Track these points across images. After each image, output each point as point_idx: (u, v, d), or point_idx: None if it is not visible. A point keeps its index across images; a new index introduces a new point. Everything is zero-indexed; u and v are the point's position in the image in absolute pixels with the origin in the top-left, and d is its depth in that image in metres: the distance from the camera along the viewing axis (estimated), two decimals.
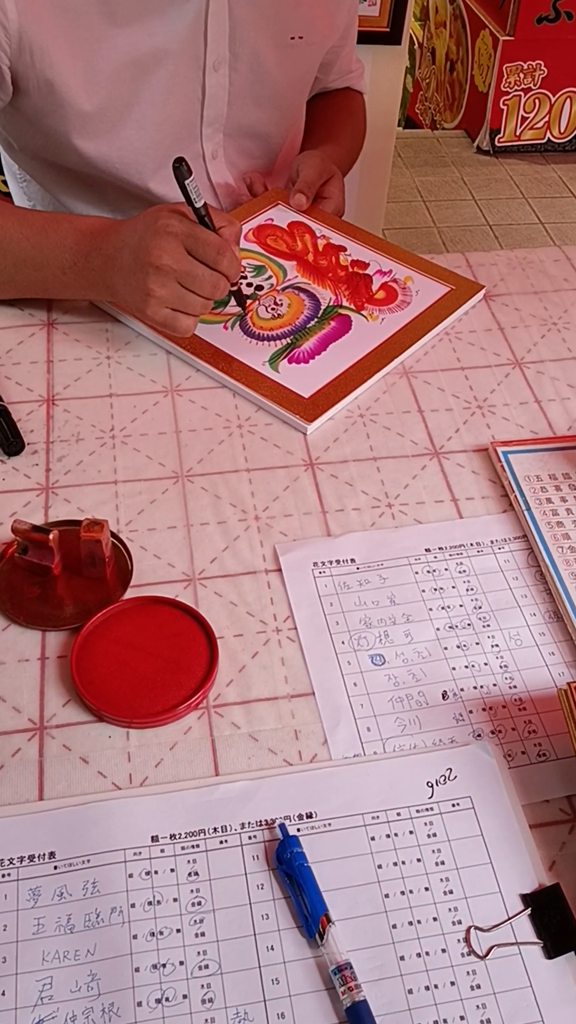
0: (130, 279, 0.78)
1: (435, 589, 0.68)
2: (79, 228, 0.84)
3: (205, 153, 1.02)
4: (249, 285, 0.92)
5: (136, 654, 0.63)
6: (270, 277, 0.93)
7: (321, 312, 0.89)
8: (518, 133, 3.17)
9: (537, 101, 3.09)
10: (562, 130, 3.19)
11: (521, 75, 3.02)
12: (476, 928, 0.51)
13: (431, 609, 0.67)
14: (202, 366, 0.83)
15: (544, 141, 3.21)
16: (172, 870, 0.53)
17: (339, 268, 0.95)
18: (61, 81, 0.86)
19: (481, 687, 0.62)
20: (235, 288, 0.84)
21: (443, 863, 0.54)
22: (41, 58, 0.84)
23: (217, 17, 0.91)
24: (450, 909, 0.52)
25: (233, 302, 0.89)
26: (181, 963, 0.50)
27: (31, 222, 0.84)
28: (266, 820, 0.55)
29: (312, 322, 0.88)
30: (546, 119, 3.15)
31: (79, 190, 1.01)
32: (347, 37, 1.12)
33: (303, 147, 1.15)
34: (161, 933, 0.50)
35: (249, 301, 0.89)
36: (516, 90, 3.05)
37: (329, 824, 0.55)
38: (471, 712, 0.61)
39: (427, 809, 0.56)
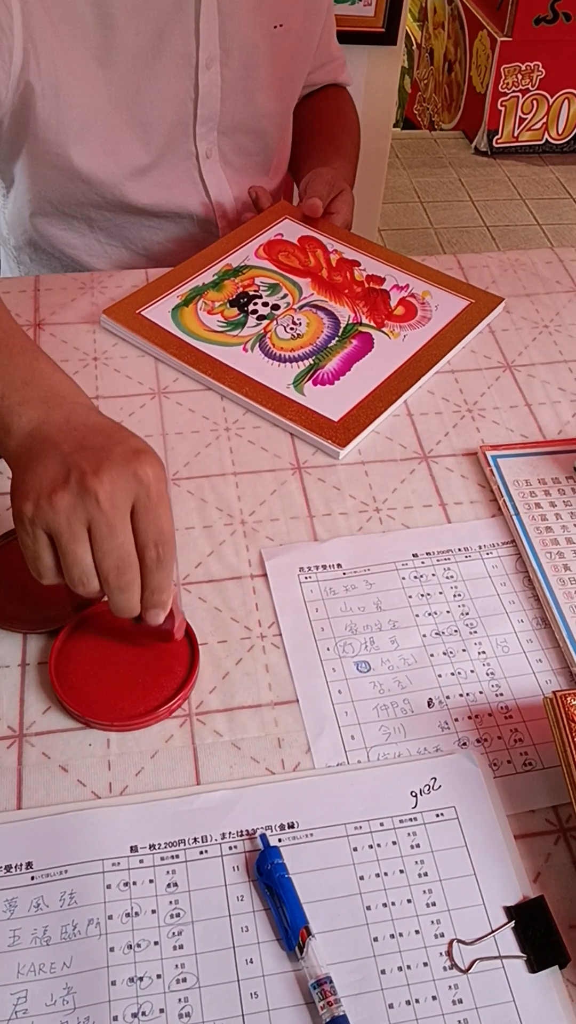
0: (47, 464, 0.53)
1: (422, 595, 0.67)
2: (36, 365, 0.60)
3: (199, 152, 1.01)
4: (265, 305, 0.90)
5: (117, 656, 0.62)
6: (285, 296, 0.91)
7: (341, 330, 0.88)
8: (516, 134, 3.16)
9: (535, 102, 3.09)
10: (560, 131, 3.19)
11: (519, 76, 3.02)
12: (459, 941, 0.51)
13: (418, 615, 0.66)
14: (226, 391, 0.81)
15: (542, 142, 3.20)
16: (151, 881, 0.52)
17: (355, 284, 0.93)
18: (65, 82, 0.86)
19: (467, 695, 0.62)
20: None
21: (426, 874, 0.53)
22: (46, 58, 0.84)
23: (208, 14, 0.91)
24: (433, 922, 0.51)
25: (252, 323, 0.87)
26: (158, 976, 0.49)
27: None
28: (247, 830, 0.54)
29: (333, 341, 0.86)
30: (544, 120, 3.14)
31: (51, 201, 1.00)
32: (327, 26, 1.11)
33: (304, 158, 1.14)
34: (139, 945, 0.50)
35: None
36: (514, 91, 3.05)
37: (311, 834, 0.54)
38: (457, 720, 0.60)
39: (411, 819, 0.55)
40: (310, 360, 0.84)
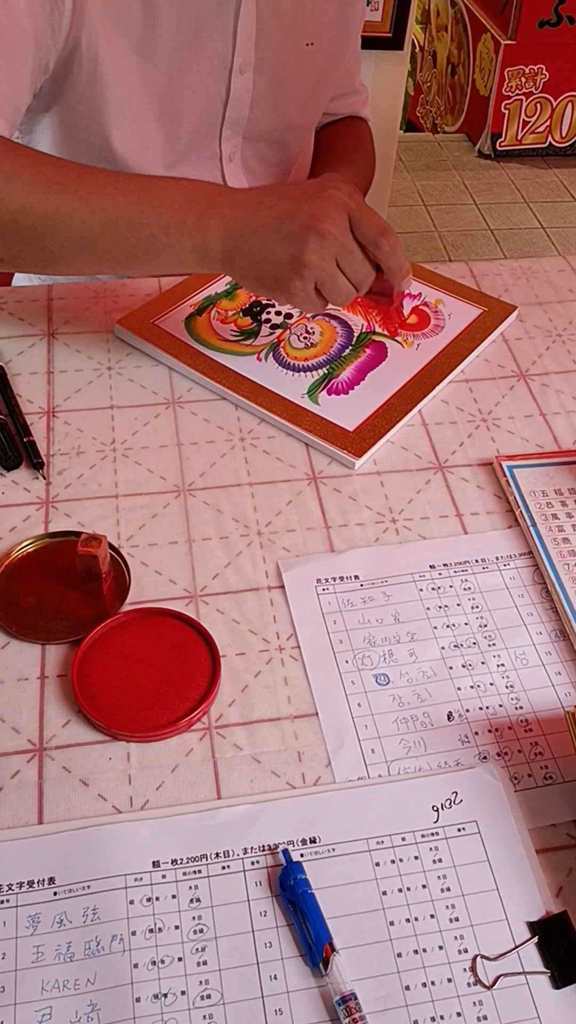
0: (274, 246, 0.70)
1: (440, 607, 0.67)
2: (187, 187, 0.74)
3: (223, 154, 1.02)
4: (279, 314, 0.90)
5: (138, 667, 0.62)
6: None
7: (355, 340, 0.88)
8: (519, 137, 3.16)
9: (539, 105, 3.09)
10: (564, 134, 3.19)
11: (523, 79, 3.02)
12: (482, 957, 0.51)
13: (436, 627, 0.66)
14: (241, 401, 0.81)
15: (546, 145, 3.20)
16: (173, 896, 0.52)
17: None
18: (104, 61, 0.86)
19: (487, 708, 0.62)
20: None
21: (448, 889, 0.53)
22: (90, 32, 0.84)
23: (247, 19, 0.92)
24: (456, 937, 0.51)
25: (265, 332, 0.87)
26: (183, 993, 0.49)
27: (124, 178, 0.74)
28: (269, 845, 0.54)
29: (347, 350, 0.86)
30: (547, 123, 3.15)
31: None
32: (352, 55, 1.12)
33: (315, 174, 1.14)
34: (162, 962, 0.50)
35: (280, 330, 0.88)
36: (518, 94, 3.05)
37: (333, 849, 0.54)
38: (477, 734, 0.60)
39: (432, 834, 0.55)
40: (324, 369, 0.84)
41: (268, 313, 0.90)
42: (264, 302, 0.91)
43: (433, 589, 0.68)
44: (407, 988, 0.49)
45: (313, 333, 0.88)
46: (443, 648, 0.65)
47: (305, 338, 0.88)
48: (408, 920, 0.52)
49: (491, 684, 0.63)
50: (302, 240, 0.69)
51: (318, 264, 0.70)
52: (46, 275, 0.80)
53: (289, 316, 0.90)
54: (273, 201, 0.72)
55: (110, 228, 0.72)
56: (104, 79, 0.88)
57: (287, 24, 0.96)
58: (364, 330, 0.89)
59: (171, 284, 0.93)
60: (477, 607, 0.67)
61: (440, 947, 0.51)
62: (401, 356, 0.86)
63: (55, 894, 0.51)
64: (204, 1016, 0.48)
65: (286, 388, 0.82)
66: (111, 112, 0.90)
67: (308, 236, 0.69)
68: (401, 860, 0.54)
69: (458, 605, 0.67)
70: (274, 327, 0.88)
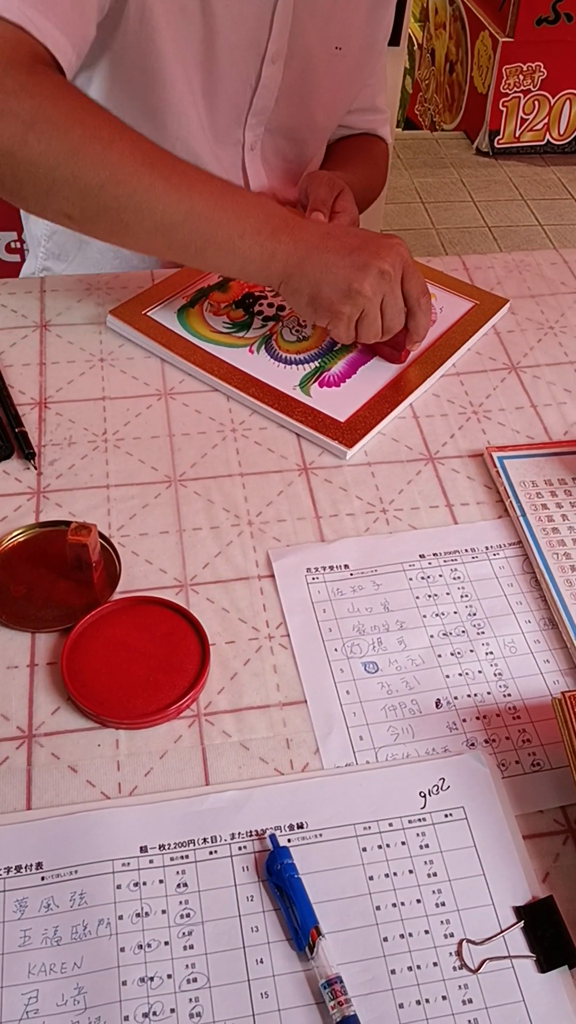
0: (337, 270, 0.75)
1: (429, 596, 0.67)
2: (267, 203, 0.79)
3: (245, 142, 1.02)
4: (271, 306, 0.90)
5: (128, 654, 0.62)
6: None
7: None
8: (517, 135, 3.16)
9: (536, 103, 3.09)
10: (561, 132, 3.19)
11: (520, 77, 3.02)
12: (468, 941, 0.51)
13: (425, 616, 0.66)
14: (232, 392, 0.81)
15: (543, 143, 3.20)
16: (161, 881, 0.52)
17: None
18: (153, 11, 0.85)
19: (475, 695, 0.62)
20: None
21: (435, 875, 0.53)
22: None
23: (283, 10, 0.92)
24: (442, 922, 0.51)
25: (257, 324, 0.87)
26: (169, 976, 0.49)
27: (212, 178, 0.78)
28: (256, 830, 0.54)
29: (338, 345, 0.86)
30: (545, 121, 3.15)
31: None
32: (376, 72, 1.13)
33: None
34: (149, 946, 0.50)
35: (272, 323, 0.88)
36: (515, 92, 3.05)
37: (320, 835, 0.54)
38: (465, 721, 0.60)
39: (419, 820, 0.55)
40: (316, 363, 0.84)
41: (260, 305, 0.90)
42: (257, 294, 0.91)
43: (423, 578, 0.68)
44: (393, 972, 0.49)
45: (305, 327, 0.88)
46: (432, 636, 0.65)
47: (297, 331, 0.88)
48: (394, 905, 0.52)
49: (479, 672, 0.63)
50: (364, 271, 0.75)
51: (370, 296, 0.75)
52: (107, 242, 0.81)
53: (281, 308, 0.90)
54: (340, 234, 0.78)
55: (192, 219, 0.75)
56: (151, 32, 0.86)
57: (320, 23, 0.97)
58: None
59: (164, 276, 0.93)
60: (466, 596, 0.67)
61: (426, 931, 0.51)
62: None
63: (43, 879, 0.52)
64: (190, 999, 0.48)
65: (278, 380, 0.82)
66: (156, 69, 0.89)
67: (370, 269, 0.75)
68: (388, 845, 0.54)
69: (447, 594, 0.67)
70: (266, 319, 0.89)
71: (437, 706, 0.61)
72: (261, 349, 0.85)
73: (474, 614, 0.66)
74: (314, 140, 1.09)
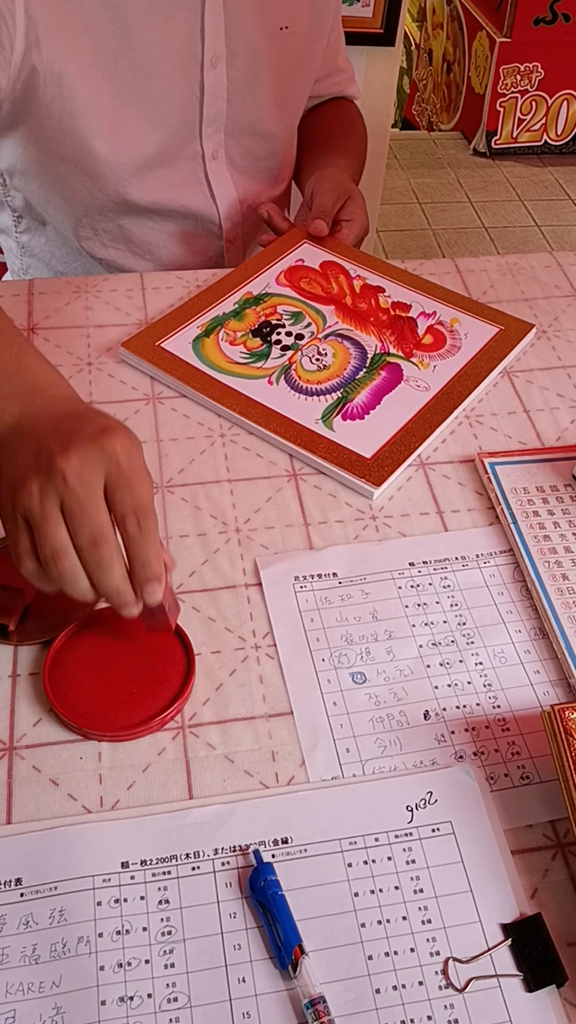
0: (22, 455, 0.55)
1: (418, 604, 0.66)
2: (30, 369, 0.61)
3: (204, 153, 1.00)
4: (289, 334, 0.87)
5: (111, 665, 0.61)
6: (309, 324, 0.88)
7: (369, 361, 0.85)
8: (515, 135, 3.15)
9: (534, 103, 3.08)
10: (559, 132, 3.18)
11: (518, 77, 3.01)
12: (455, 960, 0.50)
13: (414, 625, 0.65)
14: (254, 428, 0.78)
15: (541, 143, 3.19)
16: (142, 898, 0.51)
17: (380, 311, 0.90)
18: (69, 73, 0.85)
19: (464, 707, 0.61)
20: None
21: (422, 891, 0.52)
22: (49, 48, 0.83)
23: (213, 12, 0.91)
24: (428, 939, 0.50)
25: (276, 354, 0.84)
26: (149, 996, 0.48)
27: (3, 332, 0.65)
28: (240, 846, 0.53)
29: (361, 372, 0.83)
30: (543, 121, 3.14)
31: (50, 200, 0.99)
32: (332, 32, 1.10)
33: (307, 161, 1.13)
34: (129, 964, 0.49)
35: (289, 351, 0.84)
36: (513, 92, 3.04)
37: (305, 850, 0.53)
38: (453, 733, 0.59)
39: (406, 834, 0.54)
40: (338, 393, 0.81)
41: (278, 334, 0.87)
42: (274, 322, 0.88)
43: (412, 587, 0.67)
44: (377, 991, 0.49)
45: (326, 355, 0.85)
46: (421, 646, 0.64)
47: (317, 360, 0.85)
48: (380, 922, 0.51)
49: (469, 683, 0.62)
50: (36, 465, 0.53)
51: (35, 496, 0.53)
52: None
53: (300, 337, 0.87)
54: (64, 423, 0.56)
55: None
56: (72, 92, 0.87)
57: (257, 11, 0.95)
58: (378, 351, 0.86)
59: (153, 279, 0.92)
60: (456, 605, 0.66)
61: (412, 949, 0.50)
62: (417, 378, 0.83)
63: (22, 895, 0.51)
64: (171, 1019, 0.47)
65: (299, 413, 0.79)
66: (86, 123, 0.89)
67: (41, 467, 0.53)
68: (374, 861, 0.53)
69: (437, 603, 0.67)
70: (285, 348, 0.85)
71: (425, 717, 0.60)
72: (281, 379, 0.82)
73: (464, 623, 0.65)
74: (281, 129, 1.06)
